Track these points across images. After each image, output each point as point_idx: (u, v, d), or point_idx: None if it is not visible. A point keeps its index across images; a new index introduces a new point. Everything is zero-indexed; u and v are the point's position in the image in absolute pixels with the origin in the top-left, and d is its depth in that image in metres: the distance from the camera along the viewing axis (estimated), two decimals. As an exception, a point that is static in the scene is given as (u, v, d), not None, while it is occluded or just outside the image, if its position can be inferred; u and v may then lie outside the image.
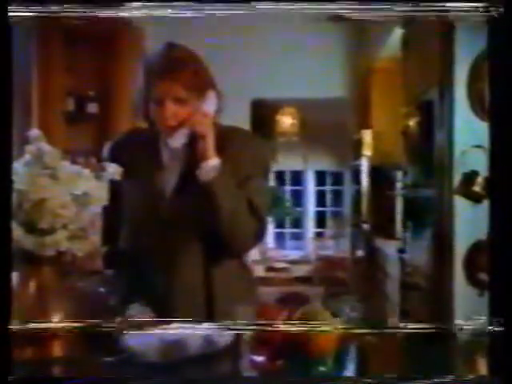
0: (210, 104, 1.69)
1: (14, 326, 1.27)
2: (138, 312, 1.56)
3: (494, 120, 1.31)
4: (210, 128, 1.66)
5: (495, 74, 1.31)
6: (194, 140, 1.66)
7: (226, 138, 1.70)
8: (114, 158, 1.69)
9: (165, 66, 1.64)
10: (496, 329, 1.23)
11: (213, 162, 1.64)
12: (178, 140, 1.67)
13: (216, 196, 1.63)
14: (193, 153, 1.68)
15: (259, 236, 1.75)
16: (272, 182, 7.18)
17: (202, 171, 1.64)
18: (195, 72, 1.67)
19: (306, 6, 1.42)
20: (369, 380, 1.26)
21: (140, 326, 1.43)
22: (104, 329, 1.39)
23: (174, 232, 1.71)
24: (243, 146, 1.74)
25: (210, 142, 1.65)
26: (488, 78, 1.35)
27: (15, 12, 1.27)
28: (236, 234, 1.68)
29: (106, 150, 1.83)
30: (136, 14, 1.38)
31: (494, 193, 1.29)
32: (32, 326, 1.31)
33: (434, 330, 1.38)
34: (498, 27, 1.30)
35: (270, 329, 1.32)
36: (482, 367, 1.31)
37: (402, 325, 1.42)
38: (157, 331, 1.39)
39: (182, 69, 1.64)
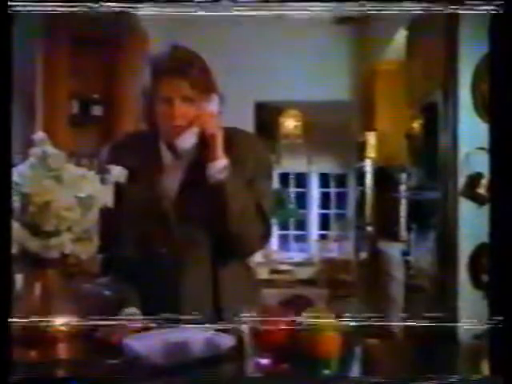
0: (214, 106, 1.69)
1: (18, 328, 1.27)
2: (131, 316, 1.57)
3: (495, 121, 1.31)
4: (219, 128, 1.67)
5: (496, 75, 1.30)
6: (201, 140, 1.67)
7: (228, 139, 1.70)
8: (112, 162, 1.69)
9: (172, 65, 1.65)
10: (497, 329, 1.23)
11: (222, 162, 1.65)
12: (187, 140, 1.67)
13: (227, 196, 1.63)
14: (199, 153, 1.68)
15: (266, 237, 1.76)
16: (276, 184, 7.17)
17: (212, 171, 1.64)
18: (201, 72, 1.69)
19: (310, 7, 1.42)
20: (373, 382, 1.26)
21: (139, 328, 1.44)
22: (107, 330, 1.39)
23: (180, 234, 1.70)
24: (246, 147, 1.75)
25: (219, 142, 1.65)
26: (489, 78, 1.35)
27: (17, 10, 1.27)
28: (245, 235, 1.69)
29: (103, 153, 1.81)
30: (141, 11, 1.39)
31: (495, 194, 1.29)
32: (36, 327, 1.31)
33: (438, 332, 1.38)
34: (498, 27, 1.29)
35: (273, 330, 1.32)
36: (486, 368, 1.30)
37: (406, 326, 1.42)
38: (161, 333, 1.39)
39: (189, 67, 1.66)
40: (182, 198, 1.72)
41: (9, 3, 1.26)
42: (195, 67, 1.67)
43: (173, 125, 1.66)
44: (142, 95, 1.70)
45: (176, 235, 1.70)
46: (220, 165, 1.64)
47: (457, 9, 1.38)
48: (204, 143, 1.66)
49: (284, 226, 7.58)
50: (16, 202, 1.29)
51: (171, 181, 1.74)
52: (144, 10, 1.41)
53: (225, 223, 1.65)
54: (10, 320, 1.22)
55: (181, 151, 1.70)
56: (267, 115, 6.74)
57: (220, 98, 1.72)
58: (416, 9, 1.35)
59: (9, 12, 1.26)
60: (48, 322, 1.32)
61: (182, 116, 1.65)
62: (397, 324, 1.40)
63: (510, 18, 1.27)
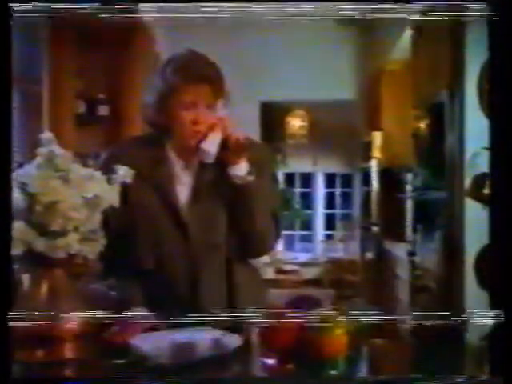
0: (225, 110, 1.71)
1: (23, 327, 1.28)
2: (138, 315, 1.57)
3: (496, 121, 1.31)
4: (241, 132, 1.69)
5: (497, 75, 1.30)
6: (223, 144, 1.68)
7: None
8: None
9: (197, 71, 1.67)
10: (497, 330, 1.23)
11: (245, 164, 1.68)
12: (213, 144, 1.67)
13: (255, 197, 1.69)
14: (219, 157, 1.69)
15: (278, 237, 1.83)
16: (282, 185, 7.17)
17: (238, 173, 1.68)
18: (218, 78, 1.70)
19: (316, 7, 1.42)
20: (380, 382, 1.26)
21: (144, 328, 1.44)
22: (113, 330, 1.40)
23: (195, 237, 1.71)
24: (252, 151, 1.75)
25: (243, 145, 1.68)
26: (490, 78, 1.35)
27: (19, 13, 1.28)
28: (266, 235, 1.76)
29: (103, 160, 1.74)
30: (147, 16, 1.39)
31: (496, 193, 1.29)
32: (42, 327, 1.31)
33: (444, 332, 1.38)
34: (497, 27, 1.29)
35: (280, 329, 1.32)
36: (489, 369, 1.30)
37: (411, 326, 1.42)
38: (168, 334, 1.39)
39: (210, 74, 1.68)
40: (195, 201, 1.73)
41: (9, 4, 1.27)
42: (214, 73, 1.69)
43: (195, 130, 1.67)
44: (159, 99, 1.68)
45: (191, 239, 1.71)
46: (244, 167, 1.68)
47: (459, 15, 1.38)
48: (225, 147, 1.67)
49: (289, 226, 7.58)
50: (23, 202, 1.30)
51: (181, 185, 1.74)
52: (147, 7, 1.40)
53: (251, 223, 1.71)
54: (14, 321, 1.22)
55: (206, 154, 1.68)
56: (273, 115, 6.75)
57: (227, 104, 1.74)
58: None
59: (9, 11, 1.27)
60: (54, 321, 1.33)
61: (205, 121, 1.67)
62: (402, 323, 1.40)
63: (508, 16, 1.27)
